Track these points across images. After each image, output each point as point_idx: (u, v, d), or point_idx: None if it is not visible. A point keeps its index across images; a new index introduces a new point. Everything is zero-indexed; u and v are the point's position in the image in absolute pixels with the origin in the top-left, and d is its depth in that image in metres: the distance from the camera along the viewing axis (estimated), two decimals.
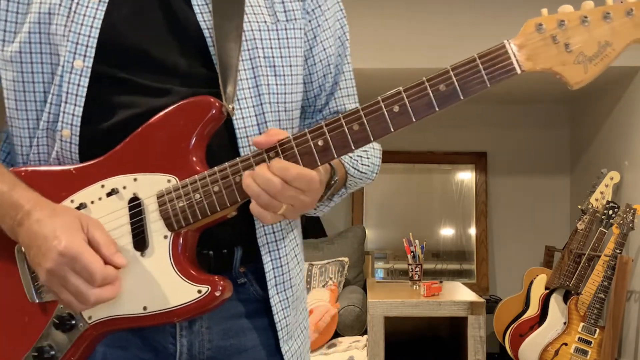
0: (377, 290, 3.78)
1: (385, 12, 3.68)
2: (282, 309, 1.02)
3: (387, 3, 3.70)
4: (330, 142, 0.87)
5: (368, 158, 1.11)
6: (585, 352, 3.40)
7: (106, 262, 0.87)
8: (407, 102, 0.86)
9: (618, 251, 3.33)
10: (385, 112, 0.86)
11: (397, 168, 4.93)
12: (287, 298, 1.03)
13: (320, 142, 0.87)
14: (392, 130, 0.87)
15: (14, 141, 0.99)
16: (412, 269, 3.81)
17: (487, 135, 5.02)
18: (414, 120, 0.87)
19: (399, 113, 0.86)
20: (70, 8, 0.94)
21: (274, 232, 1.02)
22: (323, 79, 1.10)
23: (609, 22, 0.85)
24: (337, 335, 3.54)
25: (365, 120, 0.87)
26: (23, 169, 0.96)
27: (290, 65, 1.03)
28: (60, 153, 0.95)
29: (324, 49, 1.09)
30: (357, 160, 1.09)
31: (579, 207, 3.98)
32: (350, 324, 3.56)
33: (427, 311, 3.28)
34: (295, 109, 1.06)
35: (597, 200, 3.74)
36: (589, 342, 3.41)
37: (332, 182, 0.99)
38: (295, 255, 1.08)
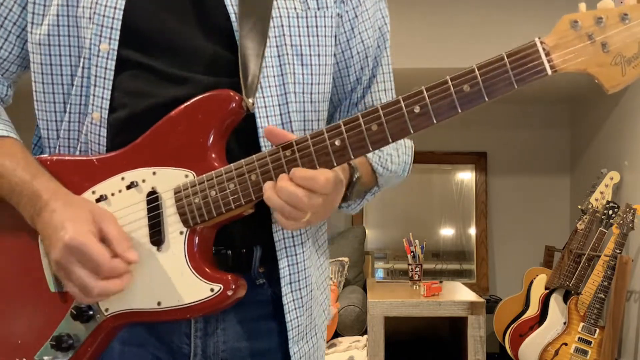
0: (377, 290, 3.77)
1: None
2: (295, 309, 0.99)
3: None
4: (347, 143, 0.84)
5: (399, 157, 1.07)
6: (585, 352, 3.40)
7: (118, 257, 0.86)
8: (428, 103, 0.81)
9: (618, 251, 3.33)
10: (406, 113, 0.82)
11: None
12: (300, 297, 0.99)
13: (337, 142, 0.84)
14: (412, 132, 0.83)
15: (40, 125, 0.99)
16: (412, 269, 3.81)
17: (487, 135, 5.02)
18: (434, 122, 0.82)
19: (420, 114, 0.82)
20: None
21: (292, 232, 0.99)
22: (360, 71, 1.06)
23: None
24: (337, 335, 3.53)
25: (384, 121, 0.82)
26: (48, 157, 0.96)
27: (319, 55, 0.99)
28: (88, 137, 0.95)
29: (362, 41, 1.05)
30: (386, 159, 1.04)
31: (579, 207, 3.98)
32: (350, 324, 3.55)
33: (427, 311, 3.28)
34: (322, 100, 1.02)
35: (597, 200, 3.74)
36: (589, 342, 3.40)
37: (354, 179, 0.95)
38: (317, 254, 1.05)
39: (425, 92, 0.82)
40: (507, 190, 5.03)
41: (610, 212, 3.58)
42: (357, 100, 1.09)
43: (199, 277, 0.89)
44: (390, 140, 0.83)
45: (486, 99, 0.81)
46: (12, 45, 1.00)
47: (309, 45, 0.99)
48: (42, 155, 0.98)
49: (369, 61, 1.07)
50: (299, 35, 0.98)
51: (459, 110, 0.81)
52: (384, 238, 5.05)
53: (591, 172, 4.32)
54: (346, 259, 4.11)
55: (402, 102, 0.82)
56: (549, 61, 0.79)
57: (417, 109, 0.82)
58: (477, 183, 5.06)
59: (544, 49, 0.79)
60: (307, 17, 0.99)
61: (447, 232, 5.13)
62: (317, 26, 0.99)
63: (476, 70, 0.80)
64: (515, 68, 0.79)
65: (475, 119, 4.95)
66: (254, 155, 0.87)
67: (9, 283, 0.97)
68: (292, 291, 0.98)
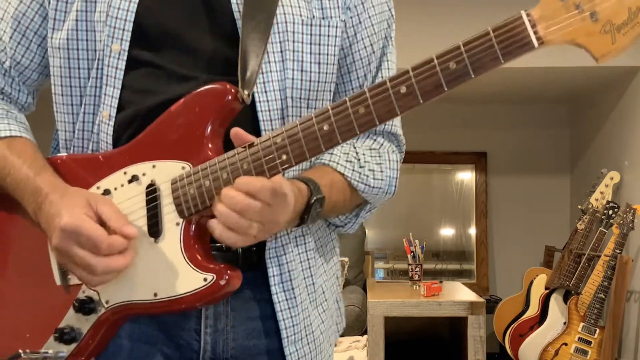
0: (377, 290, 3.78)
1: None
2: (288, 308, 0.99)
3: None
4: (335, 126, 0.84)
5: (382, 172, 1.06)
6: (585, 352, 3.40)
7: (117, 233, 0.88)
8: (414, 82, 0.80)
9: (618, 251, 3.34)
10: (392, 94, 0.81)
11: None
12: (294, 297, 0.99)
13: (325, 127, 0.84)
14: (398, 113, 0.82)
15: (58, 127, 1.03)
16: (412, 269, 3.81)
17: (487, 135, 5.02)
18: (421, 101, 0.81)
19: (406, 94, 0.81)
20: None
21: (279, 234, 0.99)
22: (363, 78, 1.07)
23: None
24: None
25: (370, 103, 0.82)
26: (59, 156, 1.00)
27: (319, 63, 1.01)
28: (98, 135, 0.98)
29: (364, 47, 1.06)
30: (367, 176, 1.03)
31: (579, 207, 3.98)
32: (350, 324, 3.55)
33: (427, 311, 3.28)
34: (320, 107, 1.02)
35: (597, 200, 3.75)
36: (589, 342, 3.41)
37: (311, 202, 0.94)
38: (323, 259, 1.06)
39: (411, 71, 0.81)
40: (507, 190, 5.03)
41: (610, 212, 3.58)
42: None
43: (193, 267, 0.89)
44: (377, 122, 0.83)
45: (472, 75, 0.79)
46: (34, 53, 1.04)
47: (310, 53, 1.00)
48: (53, 156, 1.01)
49: (372, 67, 1.08)
50: (302, 42, 1.00)
51: (445, 89, 0.80)
52: (384, 238, 5.05)
53: (591, 172, 4.32)
54: (346, 259, 4.11)
55: (388, 83, 0.82)
56: (535, 33, 0.77)
57: (403, 89, 0.81)
58: (477, 183, 5.07)
59: (529, 21, 0.77)
60: (311, 26, 1.00)
61: (447, 232, 5.13)
62: (320, 35, 1.01)
63: (462, 46, 0.79)
64: (502, 42, 0.78)
65: (475, 119, 4.95)
66: (246, 144, 0.88)
67: (19, 276, 1.00)
68: (284, 290, 0.98)
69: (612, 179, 3.76)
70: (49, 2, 1.00)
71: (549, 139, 5.02)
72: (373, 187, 1.04)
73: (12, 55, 1.03)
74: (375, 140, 1.08)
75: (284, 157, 0.86)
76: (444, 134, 4.88)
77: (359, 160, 1.03)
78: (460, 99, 4.74)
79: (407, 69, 0.81)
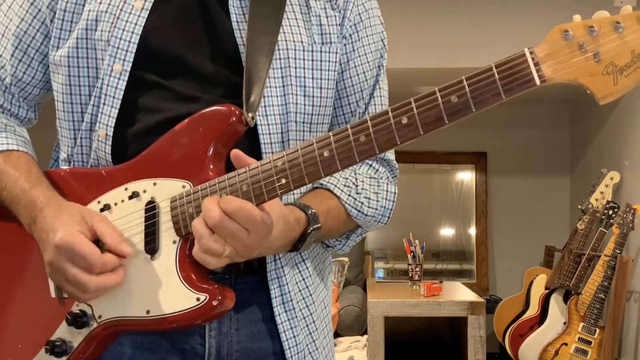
0: (377, 290, 3.77)
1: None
2: (290, 328, 1.00)
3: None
4: (335, 153, 0.84)
5: (378, 201, 1.07)
6: (585, 352, 3.40)
7: (111, 251, 0.89)
8: (416, 114, 0.82)
9: (618, 251, 3.34)
10: (393, 124, 0.82)
11: None
12: (295, 317, 1.01)
13: (325, 153, 0.85)
14: (398, 142, 0.83)
15: (61, 143, 1.05)
16: (412, 269, 3.81)
17: (487, 135, 5.02)
18: (421, 133, 0.82)
19: (407, 125, 0.82)
20: (115, 15, 0.98)
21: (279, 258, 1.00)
22: (355, 104, 1.10)
23: None
24: (337, 335, 3.54)
25: (372, 132, 0.83)
26: (62, 170, 1.01)
27: (321, 88, 1.04)
28: (97, 153, 0.99)
29: (357, 75, 1.09)
30: (362, 203, 1.05)
31: (579, 207, 3.98)
32: (350, 324, 3.56)
33: (427, 311, 3.28)
34: (321, 130, 1.06)
35: (597, 200, 3.74)
36: (589, 342, 3.41)
37: (308, 231, 0.96)
38: (319, 278, 1.07)
39: (413, 102, 0.82)
40: (507, 190, 5.03)
41: (610, 212, 3.58)
42: None
43: (186, 286, 0.90)
44: (377, 151, 0.84)
45: (473, 110, 0.80)
46: (35, 70, 1.05)
47: (312, 78, 1.03)
48: (56, 169, 1.02)
49: (364, 94, 1.10)
50: (304, 68, 1.02)
51: (446, 122, 0.81)
52: (384, 238, 5.05)
53: (591, 172, 4.32)
54: (346, 259, 4.11)
55: (390, 113, 0.83)
56: (537, 71, 0.78)
57: (404, 120, 0.82)
58: (477, 183, 5.07)
59: (533, 59, 0.78)
60: (312, 52, 1.03)
61: (447, 232, 5.13)
62: (321, 60, 1.04)
63: (464, 80, 0.80)
64: (504, 79, 0.79)
65: (475, 119, 4.93)
66: (246, 166, 0.88)
67: (14, 287, 1.00)
68: (285, 311, 1.00)
69: (612, 179, 3.76)
70: (53, 21, 1.01)
71: (549, 139, 5.02)
72: (366, 215, 1.06)
73: (13, 72, 1.04)
74: (371, 166, 1.11)
75: (283, 180, 0.86)
76: (443, 134, 4.85)
77: (356, 186, 1.05)
78: None
79: (410, 100, 0.82)
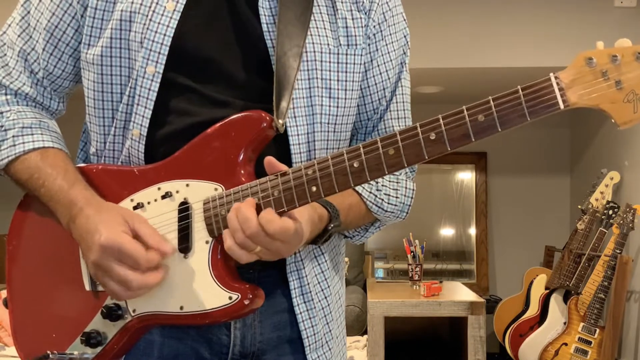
0: (377, 290, 3.78)
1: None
2: (309, 318, 1.05)
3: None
4: (365, 165, 0.87)
5: (397, 197, 1.11)
6: (585, 352, 3.40)
7: (152, 250, 0.92)
8: (444, 130, 0.85)
9: (618, 251, 3.34)
10: (422, 139, 0.85)
11: None
12: (314, 307, 1.05)
13: (355, 164, 0.88)
14: (426, 157, 0.86)
15: (91, 137, 1.07)
16: (412, 269, 3.81)
17: None
18: (449, 149, 0.85)
19: (435, 141, 0.85)
20: (147, 16, 0.99)
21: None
22: (378, 102, 1.12)
23: None
24: None
25: (401, 146, 0.86)
26: (95, 166, 1.04)
27: (346, 90, 1.06)
28: (129, 151, 1.02)
29: (380, 73, 1.11)
30: (382, 199, 1.09)
31: (579, 207, 3.99)
32: (350, 324, 3.55)
33: (427, 311, 3.28)
34: (345, 131, 1.08)
35: (597, 200, 3.75)
36: (589, 342, 3.41)
37: (329, 227, 1.00)
38: (334, 271, 1.11)
39: (441, 119, 0.85)
40: (507, 190, 5.03)
41: (610, 212, 3.58)
42: (372, 130, 1.14)
43: (219, 285, 0.94)
44: (405, 165, 0.87)
45: (499, 129, 0.84)
46: (65, 64, 1.07)
47: (337, 80, 1.05)
48: (89, 164, 1.05)
49: (387, 92, 1.12)
50: (329, 70, 1.04)
51: (472, 139, 0.85)
52: (384, 238, 5.05)
53: (591, 172, 4.32)
54: (346, 259, 4.10)
55: (419, 128, 0.86)
56: (562, 96, 0.82)
57: (432, 136, 0.85)
58: (477, 183, 5.07)
59: (557, 84, 0.82)
60: (338, 54, 1.05)
61: (447, 232, 5.13)
62: (346, 63, 1.06)
63: (491, 101, 0.84)
64: (529, 101, 0.83)
65: None
66: (278, 172, 0.91)
67: (49, 278, 1.04)
68: (304, 302, 1.04)
69: (612, 179, 3.76)
70: (83, 17, 1.02)
71: (549, 139, 5.02)
72: (386, 211, 1.10)
73: (45, 66, 1.06)
74: None
75: (314, 188, 0.89)
76: None
77: (377, 183, 1.09)
78: (459, 99, 4.74)
79: (438, 117, 0.85)
